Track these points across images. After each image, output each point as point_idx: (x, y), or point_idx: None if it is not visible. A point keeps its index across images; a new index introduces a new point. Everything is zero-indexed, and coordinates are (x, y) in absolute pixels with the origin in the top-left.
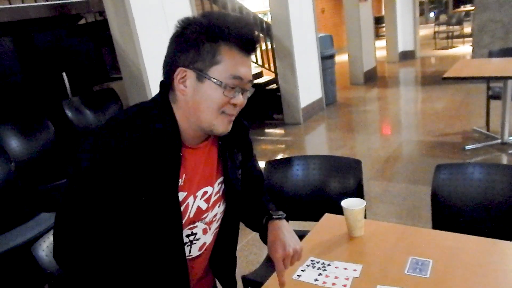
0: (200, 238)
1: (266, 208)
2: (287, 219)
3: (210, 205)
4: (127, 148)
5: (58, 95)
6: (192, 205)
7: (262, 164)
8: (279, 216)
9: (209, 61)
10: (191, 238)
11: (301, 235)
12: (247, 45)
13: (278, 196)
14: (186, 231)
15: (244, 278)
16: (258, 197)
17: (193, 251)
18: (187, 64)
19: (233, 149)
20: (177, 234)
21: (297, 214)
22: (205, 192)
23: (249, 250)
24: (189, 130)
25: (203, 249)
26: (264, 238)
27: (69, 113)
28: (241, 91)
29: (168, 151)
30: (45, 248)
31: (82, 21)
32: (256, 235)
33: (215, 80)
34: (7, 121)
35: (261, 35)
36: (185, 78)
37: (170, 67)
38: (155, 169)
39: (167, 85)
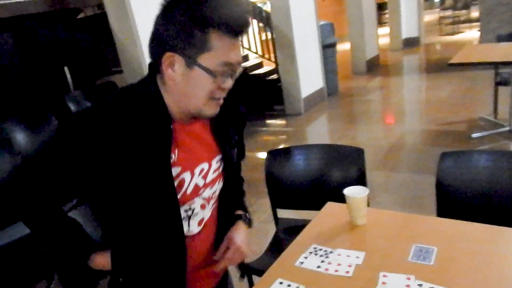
0: (198, 212)
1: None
2: (250, 224)
3: (208, 181)
4: (113, 123)
5: (60, 89)
6: (190, 181)
7: (263, 154)
8: (248, 220)
9: (199, 48)
10: (189, 212)
11: (303, 224)
12: (237, 28)
13: (279, 185)
14: (184, 207)
15: (247, 266)
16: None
17: (192, 227)
18: (175, 50)
19: (228, 127)
20: (173, 208)
21: (299, 203)
22: (202, 169)
23: (251, 240)
24: (178, 110)
25: (202, 224)
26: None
27: (72, 107)
28: (230, 75)
29: (156, 124)
30: None
31: (81, 15)
32: (258, 225)
33: (205, 68)
34: (11, 116)
35: (261, 24)
36: (173, 63)
37: (157, 49)
38: (145, 142)
39: (154, 67)
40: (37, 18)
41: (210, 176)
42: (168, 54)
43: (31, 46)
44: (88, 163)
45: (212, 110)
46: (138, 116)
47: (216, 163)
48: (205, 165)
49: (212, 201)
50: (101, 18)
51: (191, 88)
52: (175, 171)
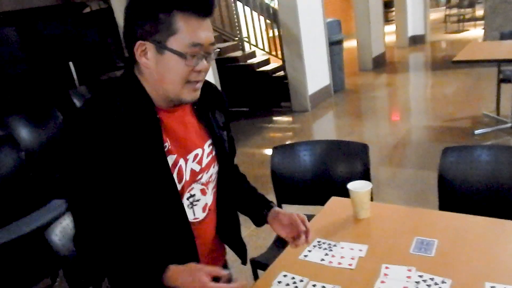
0: (200, 199)
1: (263, 197)
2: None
3: (203, 166)
4: (101, 122)
5: (65, 84)
6: (185, 168)
7: (270, 151)
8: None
9: (165, 32)
10: (191, 200)
11: (308, 219)
12: (202, 8)
13: (285, 181)
14: (186, 194)
15: (252, 261)
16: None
17: (198, 213)
18: (144, 37)
19: (212, 110)
20: (174, 196)
21: (304, 198)
22: (196, 155)
23: (258, 235)
24: (160, 98)
25: (207, 210)
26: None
27: (77, 102)
28: (204, 57)
29: (143, 116)
30: (58, 233)
31: (87, 10)
32: None
33: (174, 51)
34: (16, 111)
35: (268, 21)
36: (146, 51)
37: (129, 40)
38: (137, 135)
39: (131, 59)
40: (42, 12)
41: (205, 161)
42: (138, 43)
43: (36, 41)
44: (95, 163)
45: (190, 95)
46: (125, 110)
47: (208, 147)
48: (198, 151)
49: (210, 186)
50: (107, 13)
51: (166, 74)
52: (171, 159)
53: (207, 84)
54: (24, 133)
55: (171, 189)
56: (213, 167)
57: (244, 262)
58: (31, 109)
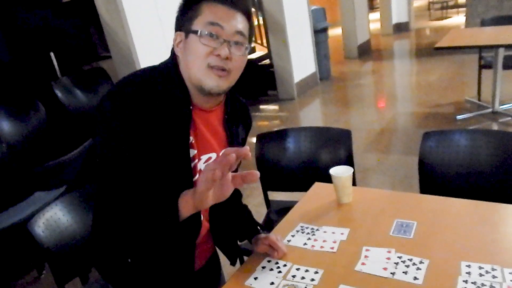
0: None
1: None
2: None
3: None
4: (141, 99)
5: (47, 75)
6: (198, 166)
7: (253, 139)
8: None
9: (192, 18)
10: None
11: (292, 205)
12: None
13: (270, 168)
14: None
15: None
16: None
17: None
18: (179, 28)
19: (238, 124)
20: (189, 186)
21: (289, 185)
22: (210, 158)
23: None
24: (192, 91)
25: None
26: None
27: (59, 94)
28: (225, 42)
29: (178, 105)
30: (41, 224)
31: None
32: (252, 209)
33: (193, 31)
34: None
35: (253, 9)
36: (181, 41)
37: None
38: (168, 121)
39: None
40: (21, 1)
41: None
42: (176, 34)
43: (16, 31)
44: (129, 132)
45: (212, 81)
46: (163, 95)
47: None
48: (212, 154)
49: None
50: (88, 2)
51: (188, 56)
52: (192, 152)
53: (237, 99)
54: (5, 125)
55: (187, 180)
56: None
57: (233, 263)
58: (12, 101)
